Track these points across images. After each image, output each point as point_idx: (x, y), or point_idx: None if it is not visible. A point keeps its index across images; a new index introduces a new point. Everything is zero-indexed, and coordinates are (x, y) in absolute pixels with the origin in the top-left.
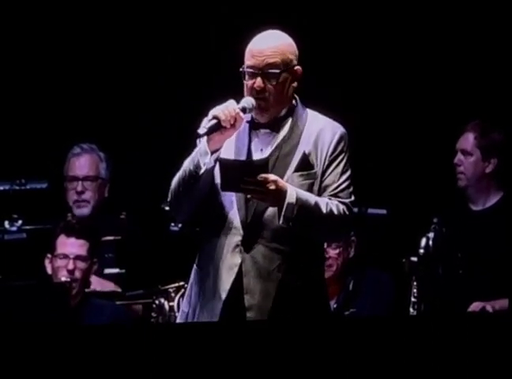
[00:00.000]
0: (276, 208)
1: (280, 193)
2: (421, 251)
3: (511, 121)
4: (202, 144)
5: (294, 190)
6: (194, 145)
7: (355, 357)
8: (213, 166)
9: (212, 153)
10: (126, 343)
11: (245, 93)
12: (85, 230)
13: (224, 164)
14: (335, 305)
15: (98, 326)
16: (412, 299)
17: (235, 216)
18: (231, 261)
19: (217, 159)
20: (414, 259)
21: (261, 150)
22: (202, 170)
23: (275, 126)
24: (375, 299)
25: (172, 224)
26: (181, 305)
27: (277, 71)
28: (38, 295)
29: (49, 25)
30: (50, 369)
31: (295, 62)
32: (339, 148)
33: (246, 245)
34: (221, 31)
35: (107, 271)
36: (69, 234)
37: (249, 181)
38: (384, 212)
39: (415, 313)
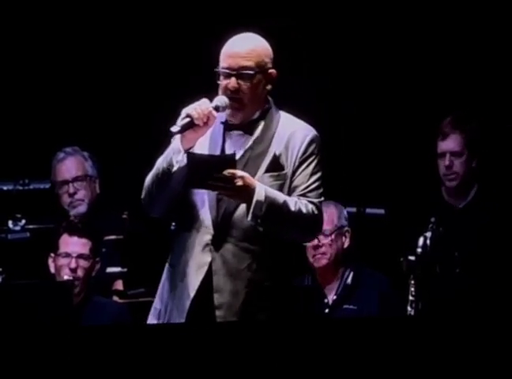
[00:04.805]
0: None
1: (248, 189)
2: (419, 250)
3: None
4: (175, 142)
5: (263, 188)
6: (169, 144)
7: (354, 357)
8: (186, 165)
9: (186, 151)
10: (128, 343)
11: (219, 93)
12: (88, 229)
13: (192, 158)
14: (334, 298)
15: (99, 326)
16: (410, 298)
17: (206, 215)
18: (200, 260)
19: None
20: (412, 258)
21: (234, 152)
22: (175, 168)
23: (248, 128)
24: (375, 299)
25: (173, 224)
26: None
27: (251, 72)
28: (42, 294)
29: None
30: (52, 368)
31: (269, 65)
32: (309, 150)
33: (216, 244)
34: (210, 33)
35: (110, 270)
36: (71, 233)
37: (216, 177)
38: (382, 211)
39: (412, 311)
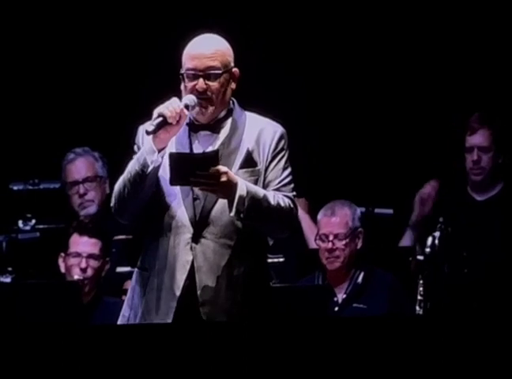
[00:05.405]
0: (223, 205)
1: (231, 185)
2: (427, 250)
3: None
4: (148, 143)
5: (244, 183)
6: (132, 151)
7: (361, 357)
8: (159, 165)
9: (159, 152)
10: (135, 342)
11: (183, 95)
12: (98, 229)
13: (174, 158)
14: (344, 296)
15: (106, 325)
16: (419, 298)
17: (183, 215)
18: (183, 258)
19: (165, 156)
20: (420, 258)
21: (204, 152)
22: (150, 169)
23: (215, 128)
24: (384, 299)
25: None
26: None
27: (219, 72)
28: (51, 293)
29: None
30: (60, 367)
31: (232, 64)
32: (280, 146)
33: (197, 242)
34: None
35: (120, 269)
36: (81, 233)
37: (200, 174)
38: (390, 211)
39: (421, 311)
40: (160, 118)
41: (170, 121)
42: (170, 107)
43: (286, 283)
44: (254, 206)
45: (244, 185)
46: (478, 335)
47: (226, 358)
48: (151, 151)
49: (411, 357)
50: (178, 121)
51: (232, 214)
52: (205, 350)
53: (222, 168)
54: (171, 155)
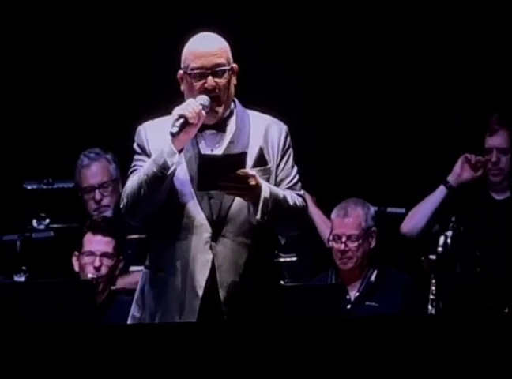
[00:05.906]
0: (239, 203)
1: (258, 188)
2: (440, 249)
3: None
4: (167, 145)
5: (266, 185)
6: (133, 151)
7: (374, 356)
8: (197, 166)
9: (180, 152)
10: (145, 341)
11: (187, 95)
12: (111, 227)
13: (205, 159)
14: (357, 295)
15: (117, 325)
16: (431, 297)
17: (200, 214)
18: (203, 258)
19: (198, 157)
20: (433, 257)
21: (212, 150)
22: (171, 170)
23: (220, 126)
24: (397, 297)
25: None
26: None
27: (226, 68)
28: (65, 292)
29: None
30: (72, 367)
31: (232, 60)
32: (287, 144)
33: (216, 240)
34: None
35: (133, 268)
36: (95, 232)
37: (229, 178)
38: (403, 210)
39: (433, 310)
40: (182, 120)
41: (191, 121)
42: (189, 108)
43: (299, 282)
44: (276, 207)
45: (267, 187)
46: (490, 335)
47: (238, 357)
48: (171, 152)
49: (423, 356)
50: (197, 122)
51: (258, 216)
52: (218, 348)
53: (250, 171)
54: (202, 157)
